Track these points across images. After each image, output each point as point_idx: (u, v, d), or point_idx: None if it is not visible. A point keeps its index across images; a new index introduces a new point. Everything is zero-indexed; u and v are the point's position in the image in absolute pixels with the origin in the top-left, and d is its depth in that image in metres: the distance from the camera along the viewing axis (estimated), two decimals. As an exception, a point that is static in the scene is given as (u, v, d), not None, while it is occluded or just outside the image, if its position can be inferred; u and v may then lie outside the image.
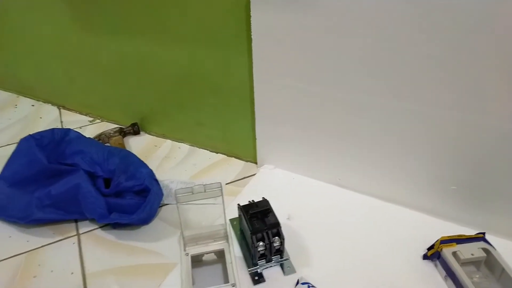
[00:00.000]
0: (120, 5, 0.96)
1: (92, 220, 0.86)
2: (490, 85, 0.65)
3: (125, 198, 0.84)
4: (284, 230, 0.72)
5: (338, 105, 0.81)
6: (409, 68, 0.69)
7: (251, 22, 0.79)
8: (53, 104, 1.34)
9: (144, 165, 0.89)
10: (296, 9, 0.73)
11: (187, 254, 0.67)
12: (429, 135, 0.75)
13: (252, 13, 0.78)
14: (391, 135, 0.79)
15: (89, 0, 1.00)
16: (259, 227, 0.71)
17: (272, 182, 0.95)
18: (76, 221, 0.88)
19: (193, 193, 0.63)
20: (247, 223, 0.72)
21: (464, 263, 0.68)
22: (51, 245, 0.83)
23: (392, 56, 0.70)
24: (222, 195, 0.65)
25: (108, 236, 0.84)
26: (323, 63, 0.77)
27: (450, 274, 0.67)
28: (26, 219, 0.83)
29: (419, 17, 0.64)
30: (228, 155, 1.06)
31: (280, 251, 0.73)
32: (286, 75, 0.83)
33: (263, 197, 0.77)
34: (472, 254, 0.68)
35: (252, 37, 0.81)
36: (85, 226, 0.86)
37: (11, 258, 0.80)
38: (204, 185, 0.63)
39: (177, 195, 0.63)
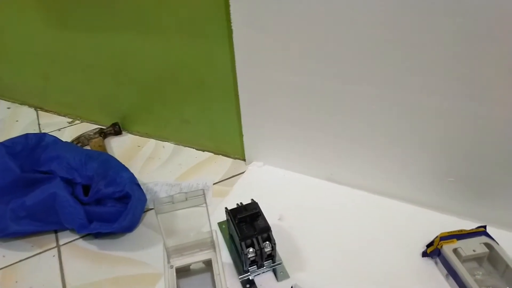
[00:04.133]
0: (94, -1, 0.90)
1: (73, 230, 0.81)
2: (489, 73, 0.60)
3: (105, 205, 0.79)
4: (276, 231, 0.68)
5: (327, 97, 0.76)
6: (403, 56, 0.64)
7: (230, 11, 0.73)
8: (29, 105, 1.27)
9: (125, 169, 0.84)
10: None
11: (171, 267, 0.63)
12: (424, 126, 0.70)
13: (231, 2, 0.72)
14: (385, 127, 0.74)
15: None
16: (248, 232, 0.66)
17: (261, 180, 0.91)
18: (55, 231, 0.83)
19: (173, 203, 0.58)
20: (235, 228, 0.67)
21: (465, 260, 0.64)
22: (29, 259, 0.78)
23: (384, 43, 0.64)
24: (205, 202, 0.60)
25: (90, 246, 0.79)
26: (310, 52, 0.72)
27: (451, 272, 0.64)
28: (1, 233, 0.78)
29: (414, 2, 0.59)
30: (215, 153, 1.01)
31: (271, 256, 0.69)
32: (270, 67, 0.77)
33: (251, 199, 0.73)
34: (474, 250, 0.65)
35: (232, 26, 0.75)
36: (65, 237, 0.81)
37: (-14, 276, 0.75)
38: (185, 193, 0.58)
39: (157, 205, 0.58)
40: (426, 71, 0.64)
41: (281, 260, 0.71)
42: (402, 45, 0.63)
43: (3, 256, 0.78)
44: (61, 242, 0.81)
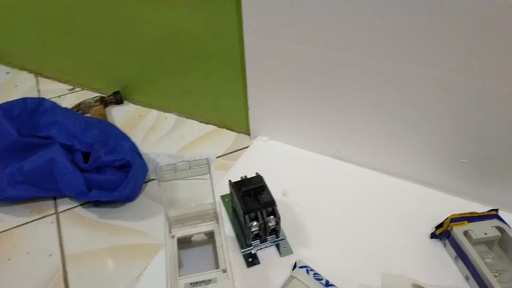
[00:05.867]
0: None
1: (72, 197, 0.79)
2: (502, 48, 0.56)
3: (105, 173, 0.77)
4: (280, 207, 0.66)
5: (338, 69, 0.72)
6: (418, 27, 0.61)
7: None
8: (29, 71, 1.24)
9: (126, 138, 0.81)
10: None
11: (172, 237, 0.61)
12: (436, 103, 0.67)
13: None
14: (395, 104, 0.71)
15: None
16: (252, 206, 0.64)
17: (266, 155, 0.88)
18: (54, 198, 0.81)
19: (176, 171, 0.55)
20: (239, 201, 0.65)
21: (476, 243, 0.62)
22: (27, 224, 0.76)
23: (398, 13, 0.61)
24: (209, 172, 0.57)
25: (89, 214, 0.77)
26: (322, 22, 0.68)
27: (461, 254, 0.62)
28: (-2, 196, 0.76)
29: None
30: (219, 126, 0.98)
31: (275, 231, 0.67)
32: (280, 36, 0.74)
33: (256, 173, 0.71)
34: (485, 234, 0.63)
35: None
36: (64, 204, 0.80)
37: (-18, 240, 0.73)
38: (189, 161, 0.56)
39: (159, 173, 0.56)
40: (437, 45, 0.61)
41: (284, 235, 0.69)
42: (414, 19, 0.60)
43: (1, 221, 0.76)
44: (60, 209, 0.79)
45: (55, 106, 0.88)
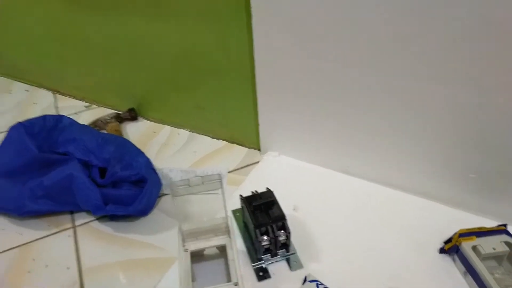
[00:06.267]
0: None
1: (88, 211, 0.81)
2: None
3: (121, 188, 0.80)
4: (290, 222, 0.68)
5: (346, 87, 0.74)
6: (427, 44, 0.62)
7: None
8: (47, 89, 1.28)
9: (141, 154, 0.84)
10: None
11: (186, 250, 0.63)
12: (446, 118, 0.69)
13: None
14: (405, 119, 0.73)
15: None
16: (263, 220, 0.66)
17: (276, 170, 0.90)
18: (71, 212, 0.84)
19: (190, 186, 0.58)
20: (250, 216, 0.67)
21: (484, 258, 0.63)
22: (45, 238, 0.79)
23: (408, 31, 0.63)
24: (222, 187, 0.59)
25: (105, 228, 0.80)
26: (332, 39, 0.70)
27: (470, 270, 0.62)
28: (19, 211, 0.79)
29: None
30: (230, 142, 1.01)
31: (286, 245, 0.68)
32: (290, 54, 0.76)
33: (267, 188, 0.73)
34: (494, 249, 0.63)
35: (251, 10, 0.74)
36: (81, 218, 0.82)
37: (3, 253, 0.76)
38: (202, 176, 0.58)
39: (173, 188, 0.58)
40: (446, 63, 0.62)
41: (295, 250, 0.70)
42: (422, 36, 0.61)
43: (21, 234, 0.79)
44: (77, 222, 0.81)
45: (73, 123, 0.92)
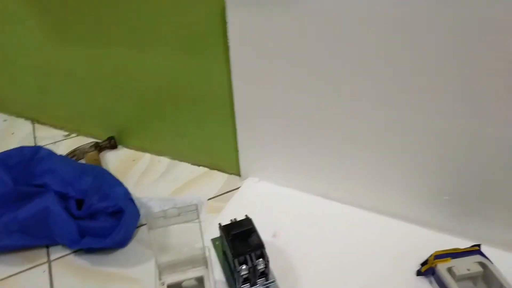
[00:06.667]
0: (93, 14, 0.91)
1: (64, 245, 0.80)
2: (487, 90, 0.61)
3: (98, 220, 0.79)
4: (270, 249, 0.67)
5: (324, 114, 0.76)
6: (401, 74, 0.65)
7: (228, 28, 0.74)
8: (26, 118, 1.27)
9: (119, 184, 0.84)
10: (275, 13, 0.69)
11: (162, 284, 0.62)
12: (420, 144, 0.71)
13: (228, 19, 0.73)
14: (380, 145, 0.75)
15: (60, 10, 0.94)
16: (241, 249, 0.66)
17: (256, 196, 0.91)
18: (47, 246, 0.82)
19: (166, 218, 0.57)
20: (228, 245, 0.66)
21: (460, 279, 0.64)
22: (19, 274, 0.76)
23: (383, 61, 0.65)
24: (198, 217, 0.59)
25: (81, 262, 0.78)
26: (306, 71, 0.72)
27: (446, 292, 0.63)
28: (-8, 247, 0.77)
29: (415, 18, 0.60)
30: (210, 168, 1.01)
31: (265, 274, 0.68)
32: (267, 83, 0.78)
33: (246, 215, 0.73)
34: (468, 270, 0.64)
35: (229, 43, 0.76)
36: (57, 252, 0.80)
37: (-26, 291, 0.74)
38: (178, 208, 0.58)
39: (149, 220, 0.58)
40: (421, 89, 0.65)
41: (274, 278, 0.70)
42: (406, 62, 0.64)
43: (-7, 271, 0.77)
44: (52, 257, 0.79)
45: (50, 154, 0.91)
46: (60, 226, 0.76)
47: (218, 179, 0.97)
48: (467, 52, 0.59)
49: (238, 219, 0.72)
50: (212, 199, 0.91)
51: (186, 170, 1.01)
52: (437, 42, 0.60)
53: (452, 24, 0.58)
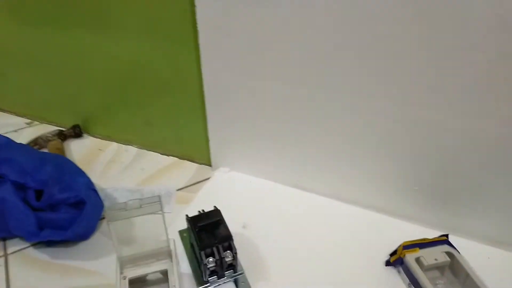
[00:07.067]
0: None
1: (22, 237, 0.75)
2: (455, 82, 0.60)
3: (59, 211, 0.74)
4: (239, 240, 0.66)
5: (295, 103, 0.75)
6: (373, 64, 0.64)
7: (196, 12, 0.71)
8: (-16, 105, 1.20)
9: (82, 173, 0.80)
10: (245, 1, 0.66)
11: (124, 278, 0.59)
12: (390, 134, 0.70)
13: (196, 3, 0.70)
14: (351, 135, 0.74)
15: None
16: (208, 241, 0.63)
17: (227, 186, 0.88)
18: (4, 239, 0.77)
19: (127, 210, 0.54)
20: (195, 237, 0.64)
21: (427, 269, 0.64)
22: (-28, 269, 0.72)
23: (354, 49, 0.64)
24: (161, 210, 0.57)
25: (40, 255, 0.74)
26: (277, 57, 0.70)
27: (413, 281, 0.63)
28: None
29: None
30: (180, 158, 0.98)
31: (233, 266, 0.66)
32: (237, 71, 0.76)
33: (214, 206, 0.70)
34: (436, 259, 0.64)
35: (198, 29, 0.73)
36: (14, 245, 0.76)
37: None
38: (140, 199, 0.55)
39: (108, 213, 0.55)
40: (392, 80, 0.64)
41: (243, 270, 0.68)
42: (371, 54, 0.63)
43: None
44: (9, 250, 0.75)
45: (9, 142, 0.85)
46: (17, 218, 0.72)
47: (188, 169, 0.95)
48: (437, 48, 0.58)
49: (208, 210, 0.70)
50: (182, 190, 0.88)
51: (154, 160, 0.98)
52: (410, 40, 0.59)
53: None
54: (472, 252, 0.67)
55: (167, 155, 0.99)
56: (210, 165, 0.94)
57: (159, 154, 0.99)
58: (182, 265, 0.70)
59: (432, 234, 0.72)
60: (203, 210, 0.70)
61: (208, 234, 0.65)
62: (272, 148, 0.84)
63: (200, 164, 0.96)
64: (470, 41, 0.56)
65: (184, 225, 0.75)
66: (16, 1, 0.92)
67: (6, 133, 1.07)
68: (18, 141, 0.87)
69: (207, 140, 0.90)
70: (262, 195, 0.86)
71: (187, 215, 0.69)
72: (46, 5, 0.88)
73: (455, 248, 0.67)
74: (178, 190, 0.88)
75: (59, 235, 0.72)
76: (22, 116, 1.15)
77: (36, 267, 0.72)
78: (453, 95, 0.61)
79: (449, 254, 0.66)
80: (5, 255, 0.74)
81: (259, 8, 0.66)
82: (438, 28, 0.57)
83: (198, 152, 0.94)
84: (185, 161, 0.97)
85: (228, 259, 0.64)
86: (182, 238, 0.75)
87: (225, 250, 0.64)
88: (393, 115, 0.68)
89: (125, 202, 0.55)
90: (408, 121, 0.67)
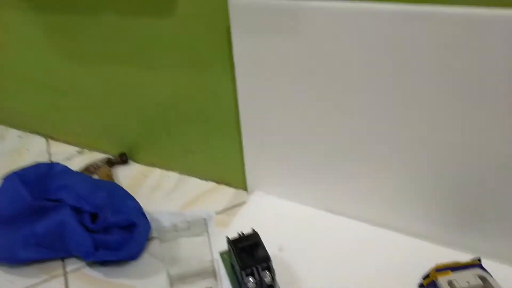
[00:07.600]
0: (102, 34, 0.95)
1: (79, 257, 0.83)
2: (491, 106, 0.63)
3: (112, 234, 0.82)
4: (276, 262, 0.70)
5: (328, 130, 0.79)
6: (404, 90, 0.68)
7: (233, 48, 0.78)
8: (40, 134, 1.32)
9: (131, 198, 0.87)
10: (277, 38, 0.73)
11: (174, 295, 0.65)
12: (423, 158, 0.73)
13: (233, 39, 0.77)
14: (383, 160, 0.78)
15: (71, 31, 1.00)
16: (248, 262, 0.68)
17: (263, 210, 0.93)
18: (62, 259, 0.85)
19: (176, 231, 0.61)
20: (236, 258, 0.69)
21: (460, 292, 0.66)
22: (37, 286, 0.80)
23: (384, 78, 0.69)
24: (207, 230, 0.63)
25: (96, 274, 0.81)
26: (310, 87, 0.76)
27: (446, 304, 0.65)
28: (10, 259, 0.81)
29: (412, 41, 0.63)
30: (218, 183, 1.04)
31: (271, 286, 0.70)
32: (272, 100, 0.81)
33: (252, 229, 0.76)
34: (468, 282, 0.66)
35: (234, 63, 0.80)
36: (72, 264, 0.84)
37: (-6, 302, 0.77)
38: (188, 221, 0.61)
39: (161, 234, 0.61)
40: (433, 106, 0.67)
41: (280, 290, 0.72)
42: (395, 81, 0.67)
43: (12, 283, 0.80)
44: (68, 269, 0.83)
45: (65, 169, 0.95)
46: (76, 239, 0.80)
47: (226, 194, 1.01)
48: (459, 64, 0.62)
49: (245, 232, 0.75)
50: (220, 213, 0.94)
51: (194, 185, 1.04)
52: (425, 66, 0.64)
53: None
54: (505, 276, 0.68)
55: (206, 180, 1.05)
56: (246, 189, 1.00)
57: (199, 179, 1.06)
58: (224, 285, 0.74)
59: (464, 257, 0.74)
60: (242, 233, 0.75)
61: (248, 255, 0.70)
62: (305, 173, 0.89)
63: (237, 188, 1.02)
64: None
65: (223, 247, 0.80)
66: (67, 40, 1.03)
67: (59, 160, 1.18)
68: (71, 168, 0.96)
69: (243, 166, 0.96)
70: (297, 219, 0.90)
71: (227, 237, 0.75)
72: (93, 44, 0.98)
73: (487, 272, 0.68)
74: (216, 213, 0.94)
75: (112, 255, 0.79)
76: (73, 145, 1.26)
77: (92, 284, 0.79)
78: (488, 118, 0.64)
79: (481, 277, 0.67)
80: (65, 274, 0.82)
81: (290, 46, 0.72)
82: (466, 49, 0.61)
83: (235, 177, 1.00)
84: (223, 185, 1.03)
85: (267, 279, 0.68)
86: (223, 259, 0.80)
87: (263, 271, 0.69)
88: (423, 139, 0.71)
89: (174, 224, 0.62)
90: (440, 144, 0.70)
